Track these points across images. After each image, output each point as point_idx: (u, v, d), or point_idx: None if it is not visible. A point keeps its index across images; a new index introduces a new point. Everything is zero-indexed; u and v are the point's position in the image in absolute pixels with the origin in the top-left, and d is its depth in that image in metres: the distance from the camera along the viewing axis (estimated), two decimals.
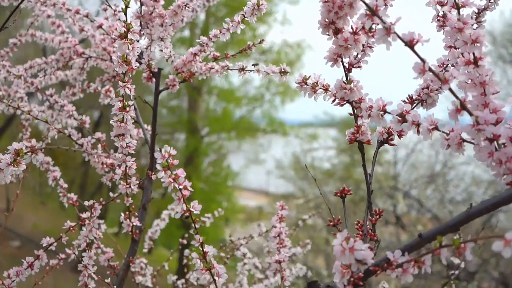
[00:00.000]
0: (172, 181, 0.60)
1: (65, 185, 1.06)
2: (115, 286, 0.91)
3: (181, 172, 0.60)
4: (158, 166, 0.59)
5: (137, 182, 0.88)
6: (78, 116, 1.08)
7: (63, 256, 1.12)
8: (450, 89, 0.49)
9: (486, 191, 6.66)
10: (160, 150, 0.58)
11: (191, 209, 0.61)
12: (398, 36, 0.48)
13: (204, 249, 0.62)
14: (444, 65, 0.66)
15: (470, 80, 0.53)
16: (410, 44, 0.49)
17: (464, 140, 0.52)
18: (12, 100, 1.15)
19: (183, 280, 1.44)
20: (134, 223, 0.94)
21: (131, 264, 0.96)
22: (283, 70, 0.81)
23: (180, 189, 0.60)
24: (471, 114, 0.49)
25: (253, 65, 0.91)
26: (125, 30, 0.66)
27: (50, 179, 1.07)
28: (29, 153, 0.64)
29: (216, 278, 0.62)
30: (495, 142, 0.49)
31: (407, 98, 0.66)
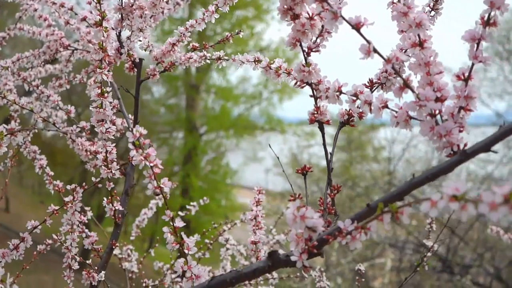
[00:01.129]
0: (143, 159, 0.63)
1: (51, 173, 1.10)
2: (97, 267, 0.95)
3: (152, 151, 0.64)
4: (130, 145, 0.63)
5: (118, 167, 0.91)
6: (64, 106, 1.11)
7: (50, 241, 1.16)
8: (393, 68, 0.53)
9: (480, 186, 6.72)
10: (132, 131, 0.62)
11: (161, 185, 0.64)
12: (345, 20, 0.52)
13: (175, 224, 0.66)
14: (403, 50, 0.70)
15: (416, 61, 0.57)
16: (356, 27, 0.53)
17: (410, 117, 0.56)
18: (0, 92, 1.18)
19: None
20: (117, 208, 0.98)
21: (114, 247, 0.99)
22: (257, 59, 0.85)
23: (151, 167, 0.64)
24: (414, 92, 0.53)
25: (226, 55, 0.95)
26: (100, 18, 0.70)
27: (36, 167, 1.10)
28: (8, 135, 0.68)
29: (186, 251, 0.66)
30: (436, 117, 0.53)
31: (368, 82, 0.69)
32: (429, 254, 1.14)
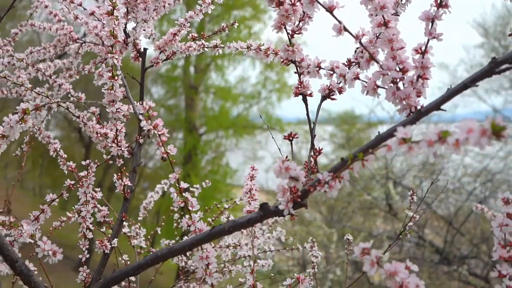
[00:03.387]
0: (152, 128, 0.74)
1: (65, 155, 1.20)
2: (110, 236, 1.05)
3: (159, 121, 0.74)
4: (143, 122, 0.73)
5: (127, 144, 1.02)
6: (75, 93, 1.22)
7: (64, 219, 1.26)
8: (361, 43, 0.63)
9: (476, 179, 6.83)
10: (142, 104, 0.73)
11: (168, 151, 0.75)
12: (320, 3, 0.63)
13: (180, 185, 0.76)
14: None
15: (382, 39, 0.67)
16: (330, 9, 0.63)
17: (377, 86, 0.67)
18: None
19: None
20: (126, 183, 1.08)
21: (124, 219, 1.10)
22: (249, 45, 0.95)
23: (159, 135, 0.74)
24: (378, 63, 0.64)
25: (218, 43, 1.05)
26: (112, 8, 0.80)
27: (51, 150, 1.21)
28: (34, 110, 0.78)
29: (190, 208, 0.76)
30: (398, 85, 0.64)
31: (346, 61, 0.80)
32: (410, 223, 1.24)
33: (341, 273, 5.55)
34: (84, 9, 1.20)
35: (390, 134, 0.62)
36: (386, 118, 8.20)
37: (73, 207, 1.20)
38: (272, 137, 1.06)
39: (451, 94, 0.59)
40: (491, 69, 0.57)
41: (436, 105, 0.60)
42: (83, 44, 1.28)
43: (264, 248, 1.30)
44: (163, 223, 1.56)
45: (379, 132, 0.63)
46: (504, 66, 0.57)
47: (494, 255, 0.63)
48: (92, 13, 1.16)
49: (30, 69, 1.28)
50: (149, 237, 1.46)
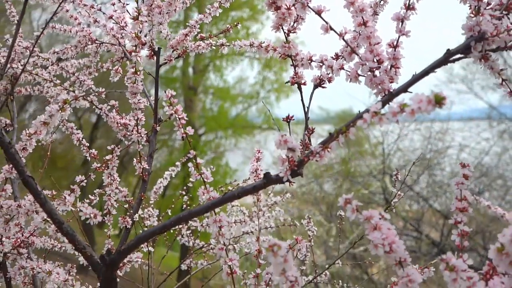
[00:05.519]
0: (173, 112, 0.89)
1: (87, 144, 1.35)
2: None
3: (179, 107, 0.89)
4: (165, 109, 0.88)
5: (146, 132, 1.17)
6: (96, 88, 1.37)
7: (87, 201, 1.41)
8: (344, 40, 0.78)
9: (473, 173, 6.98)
10: (165, 91, 0.88)
11: (187, 131, 0.90)
12: (310, 8, 0.77)
13: (197, 161, 0.91)
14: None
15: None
16: (318, 12, 0.78)
17: (359, 74, 0.82)
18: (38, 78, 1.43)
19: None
20: (144, 166, 1.23)
21: (142, 198, 1.24)
22: (252, 43, 1.10)
23: (179, 118, 0.89)
24: (358, 55, 0.79)
25: (224, 41, 1.21)
26: (137, 14, 0.95)
27: (74, 139, 1.35)
28: (73, 100, 0.93)
29: (205, 180, 0.91)
30: (375, 73, 0.79)
31: (334, 54, 0.95)
32: (395, 200, 1.39)
33: (340, 266, 5.69)
34: (103, 13, 1.34)
35: (366, 110, 0.77)
36: None
37: (94, 192, 1.35)
38: (278, 127, 1.21)
39: (415, 79, 0.74)
40: (445, 59, 0.72)
41: (404, 89, 0.75)
42: (101, 45, 1.43)
43: (265, 225, 1.45)
44: (156, 239, 1.71)
45: (359, 112, 0.77)
46: (457, 56, 0.72)
47: (452, 207, 0.78)
48: (111, 17, 1.31)
49: (55, 67, 1.43)
50: (160, 218, 1.61)
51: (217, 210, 0.90)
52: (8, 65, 1.30)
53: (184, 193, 1.87)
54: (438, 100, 0.56)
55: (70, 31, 1.48)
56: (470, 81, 9.05)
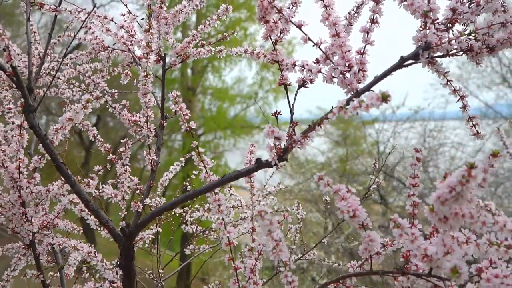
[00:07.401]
0: (178, 110, 1.06)
1: (102, 139, 1.52)
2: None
3: (183, 105, 1.07)
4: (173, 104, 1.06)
5: (155, 127, 1.34)
6: (109, 90, 1.54)
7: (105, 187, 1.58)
8: (320, 48, 0.96)
9: None
10: (171, 92, 1.05)
11: (190, 125, 1.07)
12: (292, 22, 0.95)
13: (199, 150, 1.09)
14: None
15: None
16: (298, 26, 0.95)
17: (333, 76, 0.99)
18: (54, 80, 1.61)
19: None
20: (153, 157, 1.40)
21: (151, 185, 1.42)
22: (246, 50, 1.28)
23: (184, 114, 1.07)
24: (331, 61, 0.96)
25: (222, 48, 1.38)
26: (148, 27, 1.12)
27: (90, 135, 1.52)
28: (95, 100, 1.10)
29: (206, 165, 1.08)
30: (346, 75, 0.96)
31: (315, 59, 1.12)
32: (374, 186, 1.56)
33: (336, 258, 5.88)
34: (115, 23, 1.52)
35: (350, 98, 0.94)
36: (379, 116, 8.57)
37: (107, 182, 1.52)
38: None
39: (376, 80, 0.91)
40: (400, 64, 0.89)
41: (367, 88, 0.92)
42: (113, 51, 1.60)
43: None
44: (162, 222, 1.88)
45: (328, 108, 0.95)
46: (409, 62, 0.90)
47: (407, 183, 0.95)
48: (122, 26, 1.49)
49: (69, 71, 1.61)
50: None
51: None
52: (34, 71, 1.47)
53: (184, 188, 2.05)
54: (385, 97, 0.73)
55: (85, 39, 1.66)
56: (466, 80, 9.23)
